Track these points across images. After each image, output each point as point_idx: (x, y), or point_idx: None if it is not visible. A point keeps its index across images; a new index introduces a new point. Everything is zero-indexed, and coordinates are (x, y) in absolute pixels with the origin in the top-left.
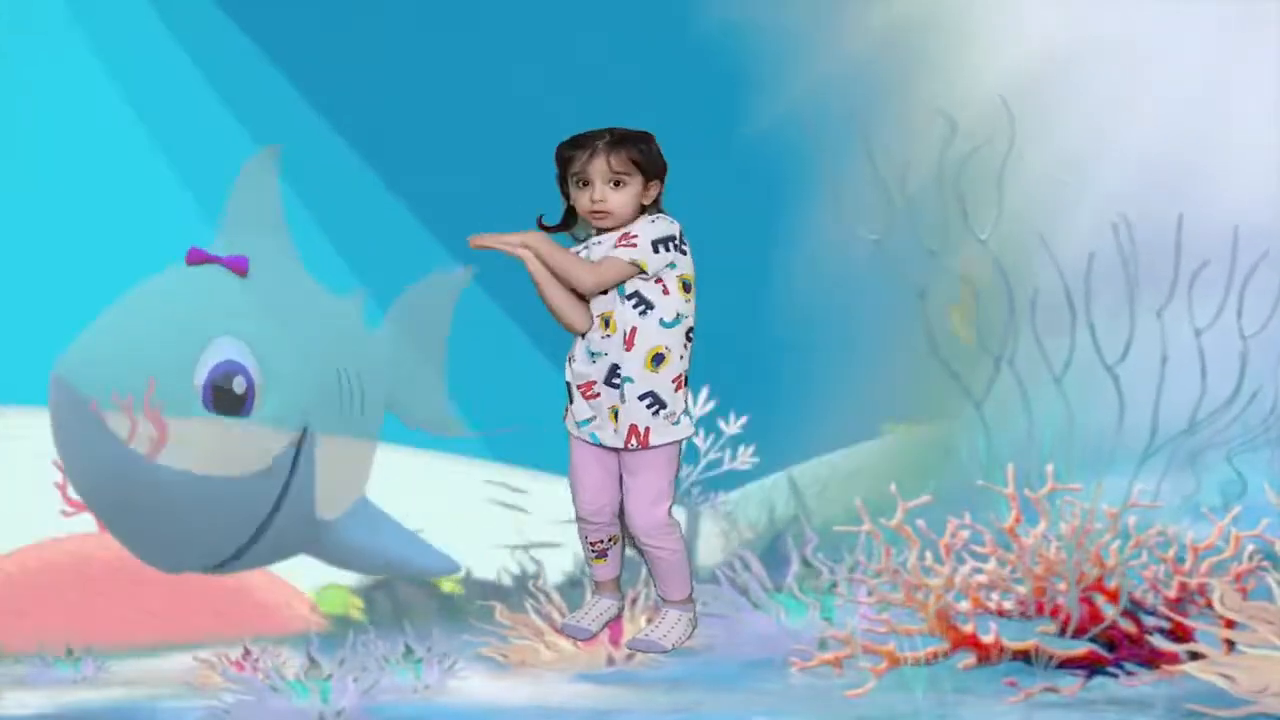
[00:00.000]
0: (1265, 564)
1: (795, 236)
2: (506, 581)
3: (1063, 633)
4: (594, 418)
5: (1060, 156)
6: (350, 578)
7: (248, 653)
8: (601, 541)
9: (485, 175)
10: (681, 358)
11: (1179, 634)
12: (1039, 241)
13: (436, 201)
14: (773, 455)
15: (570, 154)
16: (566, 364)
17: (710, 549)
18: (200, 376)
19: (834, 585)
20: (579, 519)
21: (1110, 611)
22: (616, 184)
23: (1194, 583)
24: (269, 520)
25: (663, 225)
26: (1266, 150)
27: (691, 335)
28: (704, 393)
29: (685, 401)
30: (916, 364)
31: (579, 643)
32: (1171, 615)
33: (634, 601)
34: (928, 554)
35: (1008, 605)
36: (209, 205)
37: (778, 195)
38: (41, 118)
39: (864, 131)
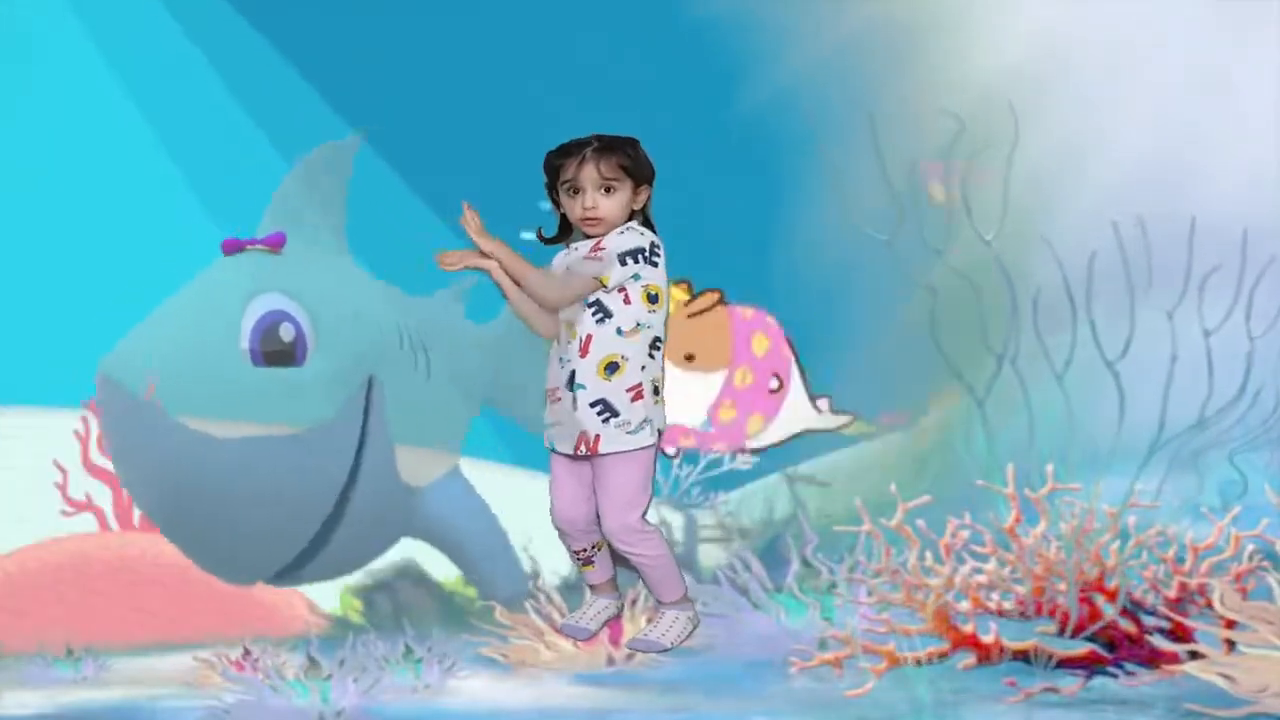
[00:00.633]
0: (1265, 564)
1: (795, 236)
2: None
3: (1062, 633)
4: (555, 424)
5: (1060, 154)
6: (350, 578)
7: (248, 653)
8: (585, 549)
9: (485, 175)
10: (644, 368)
11: (1179, 634)
12: (1040, 239)
13: (437, 202)
14: (773, 455)
15: (560, 162)
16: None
17: (710, 549)
18: (246, 337)
19: (834, 585)
20: (556, 529)
21: (1110, 611)
22: (607, 190)
23: (1194, 583)
24: (350, 486)
25: (632, 237)
26: (1266, 150)
27: (659, 345)
28: None
29: (649, 411)
30: (917, 363)
31: (579, 642)
32: (1171, 615)
33: (634, 602)
34: (928, 554)
35: (1008, 605)
36: (216, 204)
37: (777, 195)
38: (42, 117)
39: (871, 126)
